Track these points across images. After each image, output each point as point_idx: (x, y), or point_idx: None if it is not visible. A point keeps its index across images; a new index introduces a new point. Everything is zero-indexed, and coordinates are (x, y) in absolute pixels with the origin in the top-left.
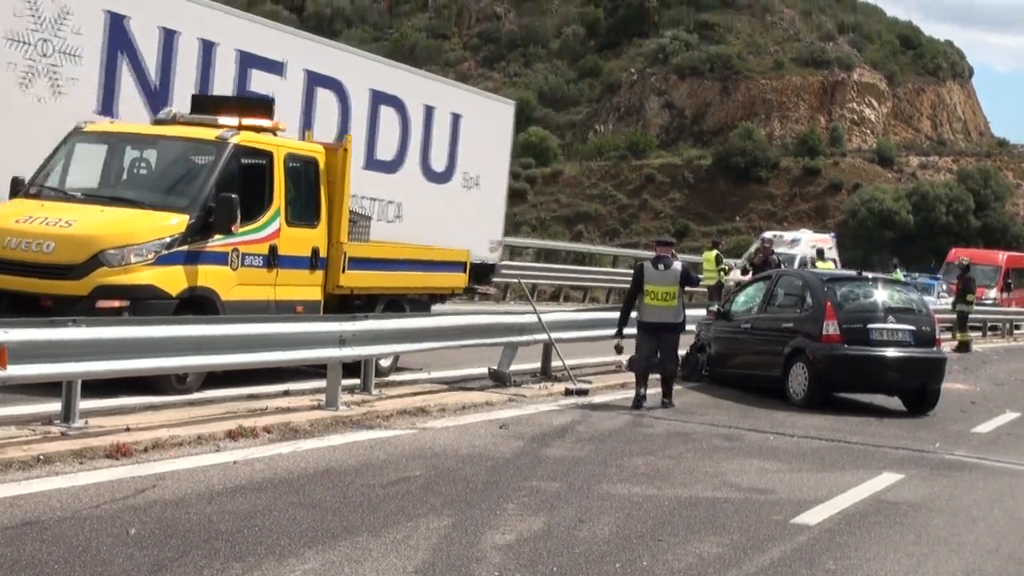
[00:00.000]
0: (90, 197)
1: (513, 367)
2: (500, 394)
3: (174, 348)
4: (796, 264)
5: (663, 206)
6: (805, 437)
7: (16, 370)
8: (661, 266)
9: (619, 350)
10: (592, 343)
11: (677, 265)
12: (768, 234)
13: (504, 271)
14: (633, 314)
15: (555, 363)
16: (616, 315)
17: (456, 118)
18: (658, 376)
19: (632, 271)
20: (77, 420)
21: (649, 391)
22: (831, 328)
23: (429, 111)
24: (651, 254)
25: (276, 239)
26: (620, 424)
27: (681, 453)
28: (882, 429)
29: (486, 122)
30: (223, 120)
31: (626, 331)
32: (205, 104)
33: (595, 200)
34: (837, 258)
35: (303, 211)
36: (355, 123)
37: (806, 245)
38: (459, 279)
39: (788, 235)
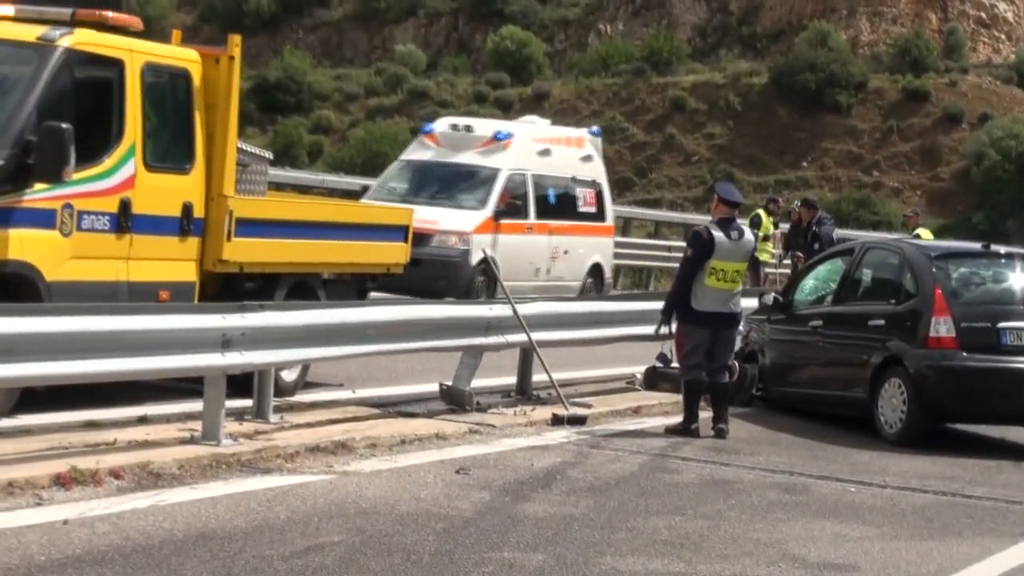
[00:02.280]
0: None
1: (476, 382)
2: (457, 423)
3: None
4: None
5: (697, 145)
6: (903, 489)
7: None
8: (734, 233)
9: (665, 361)
10: (592, 348)
11: (749, 235)
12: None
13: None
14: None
15: (537, 377)
16: (632, 307)
17: None
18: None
19: (689, 240)
20: None
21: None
22: (942, 328)
23: None
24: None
25: (129, 190)
26: (632, 468)
27: (720, 511)
28: (1020, 478)
29: None
30: (48, 12)
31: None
32: None
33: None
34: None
35: (169, 149)
36: None
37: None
38: (398, 251)
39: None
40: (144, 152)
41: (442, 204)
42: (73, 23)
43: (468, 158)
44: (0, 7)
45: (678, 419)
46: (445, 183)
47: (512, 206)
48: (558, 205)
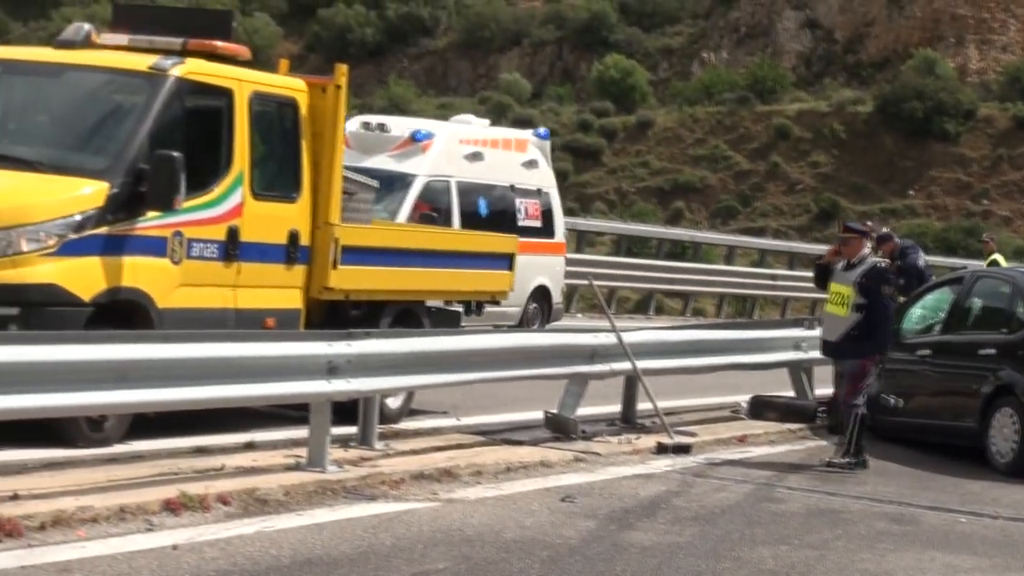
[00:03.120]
0: None
1: (581, 410)
2: (562, 450)
3: (87, 378)
4: None
5: (801, 173)
6: (1016, 519)
7: None
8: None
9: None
10: (695, 376)
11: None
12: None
13: (567, 268)
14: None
15: (642, 405)
16: (737, 335)
17: None
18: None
19: (892, 276)
20: None
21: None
22: None
23: None
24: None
25: (237, 218)
26: (737, 497)
27: (827, 541)
28: None
29: None
30: (159, 41)
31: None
32: (132, 17)
33: (701, 164)
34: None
35: (276, 177)
36: None
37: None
38: (502, 279)
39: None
40: (252, 181)
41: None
42: (184, 53)
43: (379, 162)
44: (114, 36)
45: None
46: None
47: (429, 218)
48: (491, 218)
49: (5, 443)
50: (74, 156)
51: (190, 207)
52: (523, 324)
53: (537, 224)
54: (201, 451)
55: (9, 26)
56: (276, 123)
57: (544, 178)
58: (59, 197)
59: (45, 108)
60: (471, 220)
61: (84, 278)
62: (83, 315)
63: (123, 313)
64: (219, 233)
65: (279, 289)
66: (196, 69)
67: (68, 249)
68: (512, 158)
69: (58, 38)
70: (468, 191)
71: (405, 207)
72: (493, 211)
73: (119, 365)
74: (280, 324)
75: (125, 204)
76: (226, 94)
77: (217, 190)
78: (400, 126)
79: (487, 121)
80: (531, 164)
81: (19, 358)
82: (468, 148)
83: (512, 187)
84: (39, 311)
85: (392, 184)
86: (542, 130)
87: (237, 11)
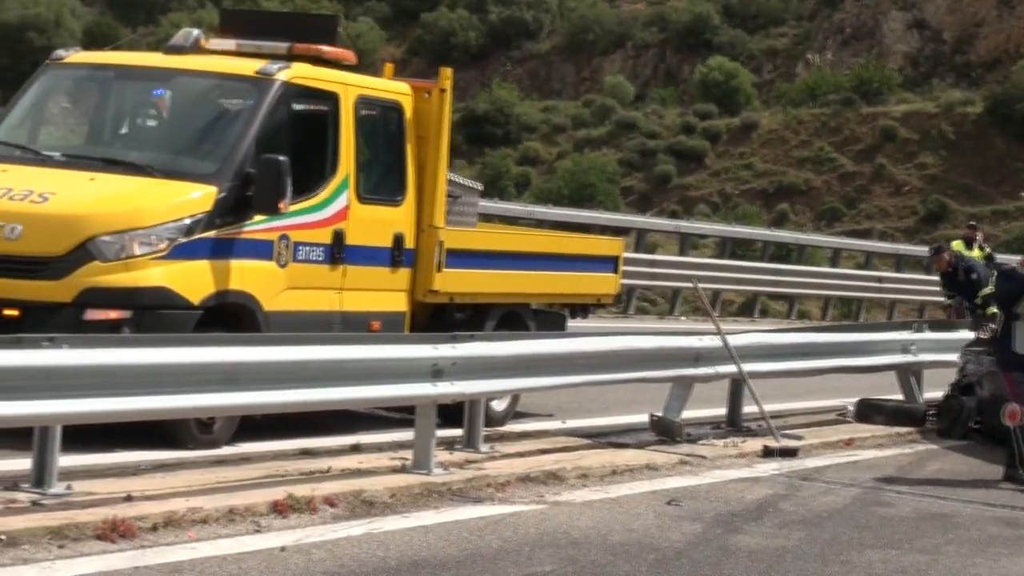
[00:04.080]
0: (74, 159)
1: (686, 413)
2: (668, 453)
3: (196, 381)
4: None
5: (908, 175)
6: None
7: None
8: None
9: None
10: (800, 379)
11: None
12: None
13: (671, 271)
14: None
15: (748, 408)
16: (844, 338)
17: None
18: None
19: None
20: (56, 484)
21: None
22: None
23: None
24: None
25: (343, 222)
26: (845, 501)
27: (938, 545)
28: None
29: None
30: (266, 46)
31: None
32: (240, 22)
33: (806, 166)
34: None
35: (381, 181)
36: None
37: None
38: (607, 281)
39: None
40: (357, 184)
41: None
42: (290, 57)
43: None
44: (222, 42)
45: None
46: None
47: None
48: None
49: (118, 445)
50: (183, 160)
51: (296, 211)
52: None
53: None
54: (307, 453)
55: (119, 32)
56: (381, 127)
57: None
58: (169, 201)
59: (155, 112)
60: None
61: (193, 281)
62: (192, 318)
63: (230, 316)
64: (325, 236)
65: (384, 292)
66: (302, 73)
67: (178, 253)
68: None
69: (168, 43)
70: None
71: None
72: None
73: (227, 368)
74: (385, 327)
75: (233, 208)
76: (332, 98)
77: (323, 194)
78: None
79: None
80: None
81: (132, 361)
82: None
83: None
84: (151, 314)
85: None
86: None
87: (341, 15)
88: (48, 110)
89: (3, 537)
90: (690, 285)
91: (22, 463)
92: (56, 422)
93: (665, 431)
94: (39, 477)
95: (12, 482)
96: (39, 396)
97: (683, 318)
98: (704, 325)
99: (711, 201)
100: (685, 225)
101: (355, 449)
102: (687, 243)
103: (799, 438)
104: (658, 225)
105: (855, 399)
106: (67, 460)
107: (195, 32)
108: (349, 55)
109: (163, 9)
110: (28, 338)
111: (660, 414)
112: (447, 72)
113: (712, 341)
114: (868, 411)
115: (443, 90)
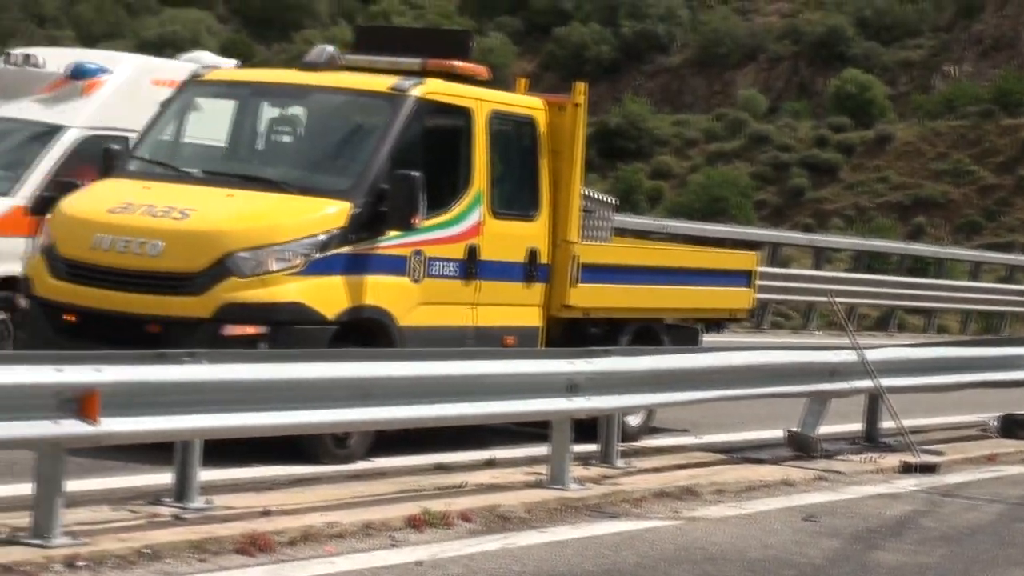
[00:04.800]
0: (213, 176)
1: (822, 429)
2: (804, 469)
3: (332, 396)
4: None
5: None
6: None
7: (113, 424)
8: None
9: None
10: (942, 395)
11: None
12: None
13: (805, 285)
14: None
15: (886, 423)
16: (985, 352)
17: None
18: None
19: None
20: (197, 498)
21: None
22: None
23: None
24: None
25: (477, 237)
26: (989, 517)
27: None
28: None
29: None
30: (400, 62)
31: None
32: (374, 38)
33: (943, 178)
34: None
35: (515, 196)
36: None
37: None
38: (741, 296)
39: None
40: (491, 199)
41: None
42: (424, 73)
43: (20, 109)
44: (356, 58)
45: None
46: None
47: (71, 186)
48: None
49: (255, 460)
50: (319, 177)
51: (430, 226)
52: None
53: None
54: (441, 468)
55: (253, 49)
56: (514, 142)
57: None
58: (305, 217)
59: (291, 129)
60: None
61: (329, 297)
62: (327, 333)
63: (365, 331)
64: (459, 251)
65: (518, 307)
66: (436, 89)
67: (314, 268)
68: None
69: (303, 60)
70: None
71: (35, 172)
72: None
73: (363, 383)
74: (518, 342)
75: (367, 224)
76: (465, 113)
77: (457, 209)
78: (56, 59)
79: (234, 62)
80: None
81: (269, 376)
82: (168, 92)
83: None
84: (286, 329)
85: (31, 140)
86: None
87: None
88: (190, 127)
89: (147, 550)
90: (825, 299)
91: (162, 477)
92: (197, 436)
93: (801, 446)
94: (181, 491)
95: (154, 496)
96: (180, 411)
97: (818, 332)
98: (840, 340)
99: (845, 214)
100: (820, 239)
101: (489, 464)
102: (821, 257)
103: (939, 453)
104: (792, 239)
105: (997, 414)
106: (206, 474)
107: (330, 49)
108: (482, 70)
109: (296, 26)
110: (170, 353)
111: (796, 429)
112: (581, 87)
113: (848, 355)
114: (1013, 426)
115: (577, 105)
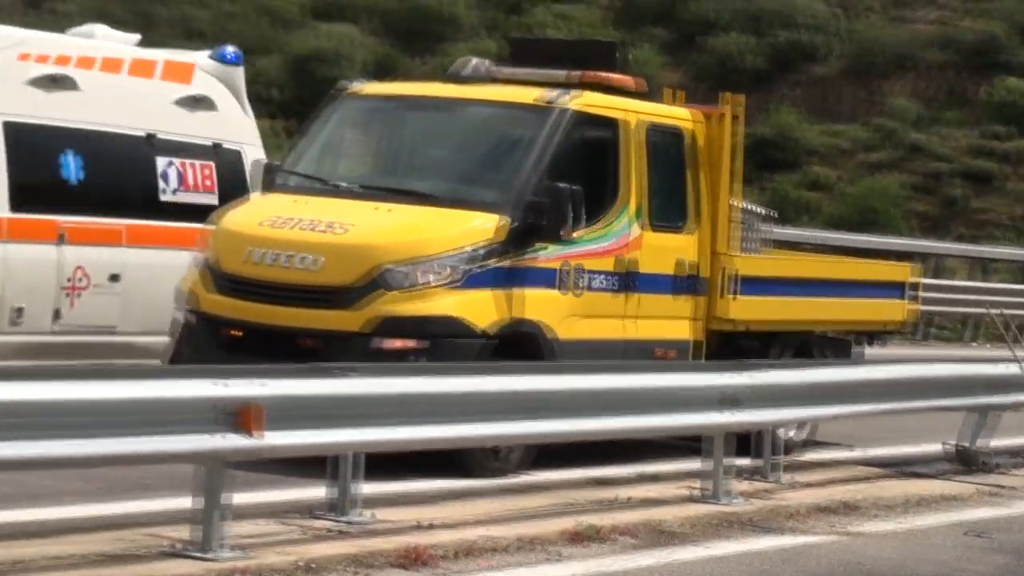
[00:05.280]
0: (370, 190)
1: (985, 442)
2: (968, 484)
3: (490, 409)
4: None
5: None
6: None
7: (275, 437)
8: None
9: None
10: None
11: None
12: None
13: (966, 296)
14: None
15: None
16: None
17: None
18: None
19: None
20: (356, 512)
21: None
22: None
23: None
24: None
25: (630, 249)
26: None
27: None
28: None
29: None
30: (554, 74)
31: None
32: (528, 51)
33: None
34: None
35: (669, 208)
36: None
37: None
38: (895, 308)
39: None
40: (645, 211)
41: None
42: (578, 85)
43: None
44: (510, 70)
45: None
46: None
47: None
48: (95, 185)
49: (404, 473)
50: (474, 190)
51: (586, 239)
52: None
53: (211, 199)
54: (598, 482)
55: (401, 62)
56: (668, 153)
57: (227, 127)
58: (461, 231)
59: (442, 142)
60: (52, 190)
61: (485, 310)
62: (484, 347)
63: (520, 344)
64: (612, 264)
65: (672, 320)
66: (589, 101)
67: (469, 282)
68: (154, 90)
69: (458, 73)
70: (36, 139)
71: None
72: (100, 174)
73: (521, 396)
74: (672, 355)
75: (522, 237)
76: (618, 125)
77: (613, 222)
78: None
79: (136, 37)
80: (195, 103)
81: (428, 389)
82: (42, 69)
83: (150, 137)
84: (443, 343)
85: None
86: (229, 50)
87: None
88: (343, 141)
89: (311, 565)
90: (985, 311)
91: (316, 491)
92: (357, 450)
93: (964, 460)
94: (340, 504)
95: (310, 509)
96: (341, 424)
97: (976, 344)
98: (1002, 352)
99: (1005, 224)
100: (979, 249)
101: (646, 478)
102: (982, 268)
103: None
104: (950, 249)
105: None
106: (361, 488)
107: (482, 62)
108: (638, 82)
109: (441, 38)
110: (331, 368)
111: (958, 443)
112: (738, 98)
113: (1009, 368)
114: None
115: (735, 116)
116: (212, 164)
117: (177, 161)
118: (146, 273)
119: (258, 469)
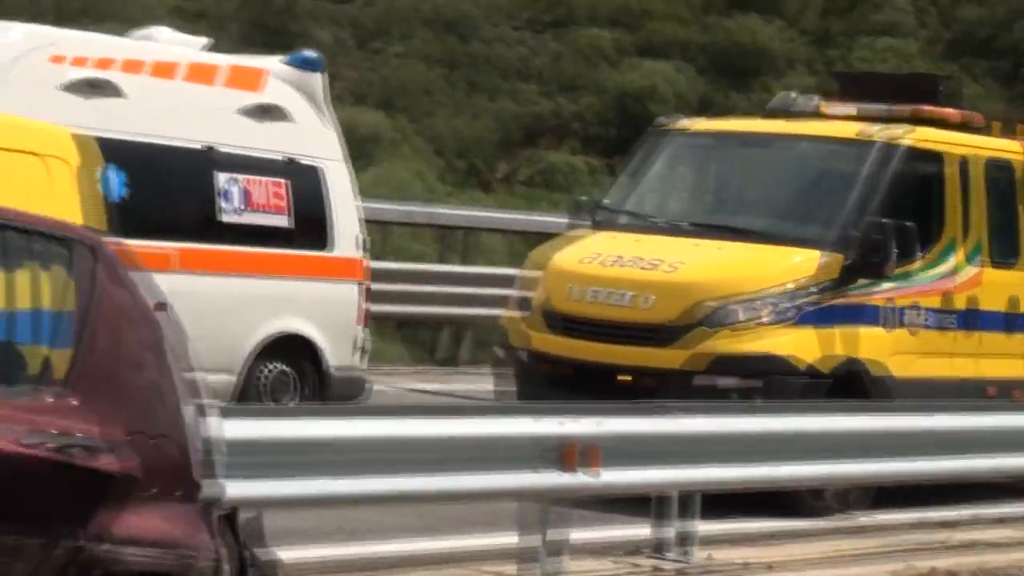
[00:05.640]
0: (700, 228)
1: None
2: None
3: (829, 448)
4: None
5: None
6: None
7: (611, 475)
8: None
9: None
10: None
11: None
12: None
13: None
14: None
15: None
16: None
17: None
18: None
19: None
20: (683, 550)
21: None
22: None
23: None
24: None
25: (969, 287)
26: None
27: None
28: None
29: None
30: (888, 110)
31: None
32: (857, 86)
33: None
34: None
35: (1003, 243)
36: None
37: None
38: None
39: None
40: (984, 249)
41: None
42: (912, 120)
43: None
44: (842, 106)
45: None
46: None
47: None
48: (142, 202)
49: (734, 512)
50: (806, 227)
51: (925, 276)
52: (246, 397)
53: (281, 221)
54: (935, 524)
55: (716, 97)
56: (1001, 188)
57: (303, 140)
58: (794, 269)
59: (770, 178)
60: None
61: (815, 348)
62: (820, 386)
63: (850, 383)
64: (951, 302)
65: (1003, 358)
66: (926, 137)
67: (804, 319)
68: (215, 98)
69: (782, 108)
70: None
71: None
72: (146, 190)
73: (862, 436)
74: (1001, 393)
75: (856, 274)
76: (957, 161)
77: (953, 258)
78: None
79: (204, 41)
80: (265, 112)
81: (761, 429)
82: (80, 72)
83: (209, 149)
84: (777, 381)
85: None
86: (307, 54)
87: (962, 77)
88: (670, 177)
89: None
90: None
91: (643, 529)
92: (687, 488)
93: None
94: (670, 543)
95: (631, 548)
96: (671, 462)
97: None
98: None
99: None
100: None
101: (983, 520)
102: None
103: None
104: None
105: None
106: (697, 527)
107: (808, 97)
108: (970, 116)
109: (756, 73)
110: (666, 407)
111: None
112: None
113: None
114: None
115: None
116: (284, 181)
117: (241, 177)
118: (199, 302)
119: (564, 505)
